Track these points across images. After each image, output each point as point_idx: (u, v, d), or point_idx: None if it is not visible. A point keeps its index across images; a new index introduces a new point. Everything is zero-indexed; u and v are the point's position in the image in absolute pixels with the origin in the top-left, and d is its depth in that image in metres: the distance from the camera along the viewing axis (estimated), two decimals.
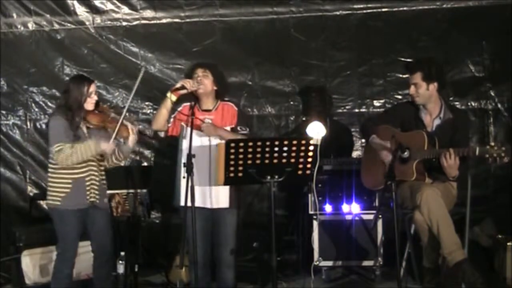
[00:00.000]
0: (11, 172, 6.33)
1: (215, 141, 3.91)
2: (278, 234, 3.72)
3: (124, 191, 4.91)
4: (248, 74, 6.06)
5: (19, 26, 6.33)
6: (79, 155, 3.81)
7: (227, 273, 3.95)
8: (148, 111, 6.13)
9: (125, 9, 6.20)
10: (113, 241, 4.15)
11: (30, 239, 4.81)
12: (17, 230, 4.88)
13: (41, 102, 6.33)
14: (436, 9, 5.77)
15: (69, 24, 6.26)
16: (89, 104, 3.96)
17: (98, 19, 6.23)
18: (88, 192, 3.92)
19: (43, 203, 5.47)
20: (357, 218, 4.99)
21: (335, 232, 4.98)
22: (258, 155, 3.38)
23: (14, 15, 6.31)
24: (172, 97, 3.87)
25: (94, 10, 6.22)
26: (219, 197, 3.90)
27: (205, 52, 6.00)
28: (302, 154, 3.41)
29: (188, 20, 6.10)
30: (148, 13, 6.17)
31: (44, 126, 6.10)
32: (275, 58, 6.02)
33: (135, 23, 6.20)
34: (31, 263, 4.78)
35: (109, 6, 6.21)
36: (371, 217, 4.91)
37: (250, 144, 3.37)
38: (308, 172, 3.48)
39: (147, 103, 6.18)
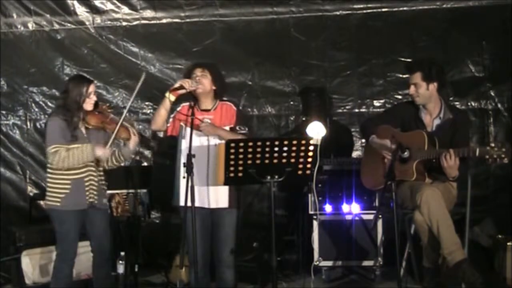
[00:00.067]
0: (11, 172, 6.33)
1: (213, 141, 3.91)
2: (278, 234, 3.71)
3: (124, 191, 4.92)
4: (248, 74, 6.06)
5: (19, 26, 6.33)
6: (73, 159, 3.82)
7: (227, 273, 3.95)
8: (148, 111, 6.14)
9: (125, 9, 6.20)
10: (112, 241, 4.15)
11: (30, 239, 4.81)
12: (17, 230, 4.88)
13: (41, 102, 6.33)
14: (436, 9, 5.77)
15: (69, 24, 6.27)
16: (88, 105, 3.95)
17: (98, 19, 6.23)
18: (87, 193, 3.92)
19: (42, 203, 5.48)
20: (357, 218, 4.99)
21: (335, 232, 4.98)
22: (258, 155, 3.38)
23: (14, 15, 6.31)
24: (170, 97, 3.87)
25: (94, 10, 6.22)
26: (218, 197, 3.89)
27: (205, 52, 6.00)
28: (302, 154, 3.41)
29: (188, 20, 6.11)
30: (148, 13, 6.17)
31: (44, 126, 6.10)
32: (275, 58, 6.02)
33: (135, 23, 6.20)
34: (31, 263, 4.78)
35: (109, 6, 6.21)
36: (371, 217, 4.91)
37: (250, 144, 3.37)
38: (308, 172, 3.48)
39: (147, 103, 6.18)
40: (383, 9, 5.84)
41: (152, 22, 6.18)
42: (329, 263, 4.97)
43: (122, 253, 4.35)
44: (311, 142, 3.41)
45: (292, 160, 3.41)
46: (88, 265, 4.23)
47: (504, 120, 5.72)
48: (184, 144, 3.93)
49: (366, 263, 4.96)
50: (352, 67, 5.92)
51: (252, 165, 3.39)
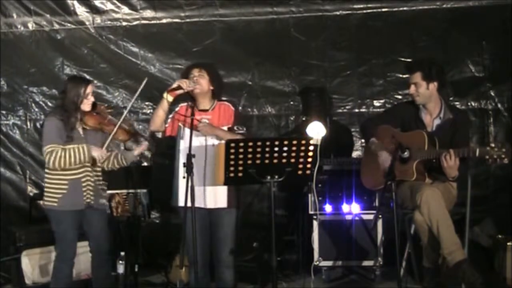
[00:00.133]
0: (11, 172, 6.34)
1: (211, 141, 3.91)
2: (278, 234, 3.71)
3: (124, 191, 4.91)
4: (248, 74, 6.06)
5: (19, 26, 6.33)
6: (69, 159, 3.81)
7: (226, 273, 3.94)
8: (148, 111, 6.13)
9: (125, 9, 6.20)
10: (110, 240, 4.15)
11: (30, 239, 4.81)
12: (17, 230, 4.88)
13: (41, 102, 6.33)
14: (436, 9, 5.77)
15: (69, 24, 6.27)
16: (86, 105, 3.95)
17: (98, 19, 6.23)
18: (84, 193, 3.92)
19: (42, 203, 5.48)
20: (357, 218, 4.99)
21: (335, 232, 4.98)
22: (258, 155, 3.37)
23: (14, 15, 6.31)
24: (168, 97, 3.87)
25: (94, 10, 6.22)
26: (217, 197, 3.89)
27: (205, 52, 6.00)
28: (302, 154, 3.41)
29: (188, 20, 6.11)
30: (148, 13, 6.17)
31: (41, 126, 6.10)
32: (275, 58, 6.02)
33: (135, 23, 6.20)
34: (31, 263, 4.78)
35: (109, 6, 6.21)
36: (371, 217, 4.91)
37: (250, 144, 3.37)
38: (308, 172, 3.48)
39: (147, 103, 6.18)
40: (383, 9, 5.84)
41: (152, 22, 6.18)
42: (329, 263, 4.97)
43: (122, 253, 4.35)
44: (311, 142, 3.41)
45: (292, 160, 3.41)
46: (88, 265, 4.23)
47: (504, 120, 5.72)
48: (182, 145, 3.93)
49: (366, 263, 4.96)
50: (352, 67, 5.92)
51: (252, 165, 3.39)
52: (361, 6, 5.85)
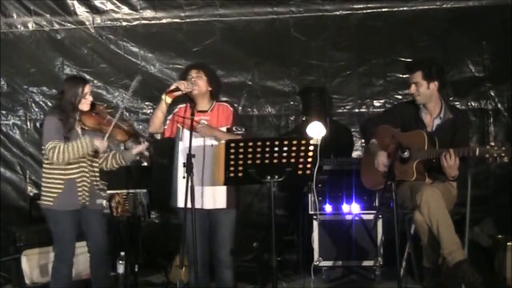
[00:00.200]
0: (11, 172, 6.34)
1: (209, 141, 3.91)
2: (278, 234, 3.71)
3: (124, 191, 4.91)
4: (248, 74, 6.06)
5: (19, 26, 6.34)
6: (73, 152, 3.80)
7: (226, 273, 3.95)
8: (148, 111, 6.14)
9: (125, 9, 6.20)
10: (111, 241, 4.15)
11: (30, 239, 4.81)
12: (17, 230, 4.88)
13: (41, 102, 6.34)
14: (436, 9, 5.77)
15: (69, 24, 6.27)
16: (84, 105, 3.95)
17: (98, 19, 6.23)
18: (79, 193, 3.91)
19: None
20: (357, 218, 4.99)
21: (335, 232, 4.98)
22: (258, 155, 3.37)
23: (14, 15, 6.32)
24: (167, 99, 3.87)
25: (94, 10, 6.23)
26: (216, 198, 3.89)
27: (205, 52, 6.00)
28: (302, 154, 3.40)
29: (188, 20, 6.11)
30: (148, 13, 6.17)
31: (40, 126, 6.11)
32: (275, 58, 6.02)
33: (135, 23, 6.21)
34: (31, 263, 4.78)
35: (109, 6, 6.22)
36: (371, 217, 4.91)
37: (250, 144, 3.37)
38: (308, 172, 3.48)
39: (147, 103, 6.19)
40: (383, 9, 5.84)
41: (152, 22, 6.19)
42: (329, 263, 4.97)
43: (122, 253, 4.35)
44: (311, 142, 3.41)
45: (292, 160, 3.40)
46: (88, 265, 4.22)
47: (504, 120, 5.72)
48: (181, 146, 3.94)
49: (366, 263, 4.96)
50: (352, 67, 5.92)
51: (252, 165, 3.38)
52: (361, 6, 5.86)
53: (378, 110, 5.76)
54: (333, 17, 5.91)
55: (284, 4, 5.96)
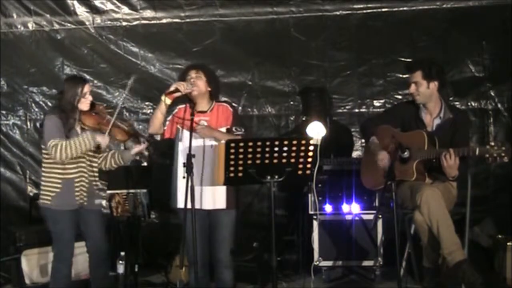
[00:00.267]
0: (11, 172, 6.35)
1: (209, 142, 3.91)
2: (278, 234, 3.71)
3: (124, 191, 4.91)
4: (248, 74, 6.06)
5: (19, 26, 6.34)
6: (75, 148, 3.79)
7: (225, 273, 3.95)
8: (148, 111, 6.14)
9: (125, 9, 6.20)
10: (111, 241, 4.14)
11: (30, 239, 4.81)
12: (17, 230, 4.88)
13: (41, 102, 6.34)
14: (436, 9, 5.77)
15: (69, 24, 6.27)
16: (84, 105, 3.94)
17: (98, 19, 6.23)
18: (77, 193, 3.90)
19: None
20: (357, 218, 4.99)
21: (335, 232, 4.98)
22: (258, 155, 3.37)
23: (14, 15, 6.32)
24: (166, 100, 3.87)
25: (94, 10, 6.23)
26: (215, 198, 3.89)
27: (205, 52, 6.00)
28: (302, 154, 3.40)
29: (188, 20, 6.11)
30: (148, 13, 6.17)
31: (40, 126, 6.10)
32: (275, 58, 6.02)
33: (135, 23, 6.20)
34: (31, 263, 4.78)
35: (109, 6, 6.22)
36: (371, 217, 4.91)
37: (250, 144, 3.37)
38: (308, 172, 3.47)
39: (147, 103, 6.19)
40: (383, 9, 5.84)
41: (152, 22, 6.18)
42: (329, 263, 4.97)
43: (122, 253, 4.35)
44: (311, 142, 3.41)
45: (292, 160, 3.40)
46: (87, 266, 4.22)
47: (504, 120, 5.72)
48: (181, 146, 3.94)
49: (366, 263, 4.96)
50: (352, 67, 5.92)
51: (252, 165, 3.38)
52: (361, 6, 5.85)
53: (378, 110, 5.75)
54: (333, 17, 5.91)
55: (284, 4, 5.96)
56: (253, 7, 6.00)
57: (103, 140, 3.91)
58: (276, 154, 3.38)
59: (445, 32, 5.76)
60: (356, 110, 5.93)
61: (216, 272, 3.99)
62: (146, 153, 4.21)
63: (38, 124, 6.24)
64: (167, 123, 4.02)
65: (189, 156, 3.61)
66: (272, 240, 3.43)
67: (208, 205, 3.88)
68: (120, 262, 4.33)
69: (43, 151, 3.95)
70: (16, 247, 4.78)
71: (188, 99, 3.95)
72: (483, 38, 5.68)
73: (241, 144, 3.36)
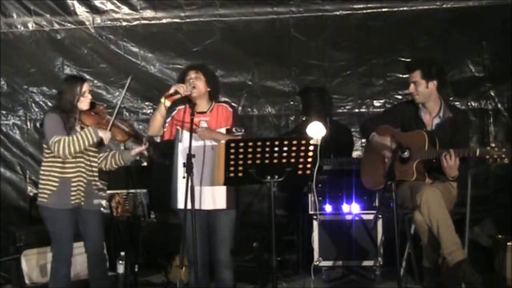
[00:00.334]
0: (11, 172, 6.34)
1: (209, 142, 3.90)
2: (278, 234, 3.71)
3: (124, 191, 4.91)
4: (248, 74, 6.06)
5: (19, 26, 6.34)
6: (78, 143, 3.77)
7: (225, 273, 3.95)
8: (148, 111, 6.14)
9: (125, 9, 6.20)
10: (111, 241, 4.14)
11: (30, 239, 4.82)
12: (17, 230, 4.88)
13: (41, 102, 6.34)
14: (436, 9, 5.77)
15: (69, 24, 6.27)
16: (83, 104, 3.93)
17: (98, 19, 6.23)
18: (73, 193, 3.88)
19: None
20: (357, 218, 4.99)
21: (335, 232, 4.98)
22: (258, 155, 3.37)
23: (14, 15, 6.32)
24: (166, 102, 3.87)
25: (94, 10, 6.23)
26: (215, 198, 3.89)
27: (205, 52, 6.00)
28: (302, 154, 3.40)
29: (188, 20, 6.11)
30: (148, 13, 6.17)
31: (40, 125, 6.10)
32: (275, 58, 6.02)
33: (135, 23, 6.20)
34: (31, 263, 4.78)
35: (109, 6, 6.22)
36: (371, 217, 4.91)
37: (250, 144, 3.36)
38: (308, 172, 3.47)
39: (147, 103, 6.19)
40: (383, 9, 5.84)
41: (152, 22, 6.18)
42: (329, 263, 4.97)
43: (122, 253, 4.35)
44: (311, 142, 3.41)
45: (292, 160, 3.40)
46: (86, 266, 4.21)
47: (504, 120, 5.72)
48: (181, 146, 3.93)
49: (366, 263, 4.96)
50: (352, 67, 5.92)
51: (252, 165, 3.38)
52: (361, 6, 5.85)
53: (378, 110, 5.75)
54: (333, 17, 5.91)
55: (284, 4, 5.96)
56: (253, 7, 6.00)
57: (105, 135, 3.90)
58: (276, 154, 3.38)
59: (445, 32, 5.76)
60: (356, 110, 5.93)
61: (216, 272, 3.99)
62: (146, 153, 4.21)
63: (38, 124, 6.23)
64: (167, 125, 4.02)
65: (189, 156, 3.61)
66: (272, 240, 3.43)
67: (208, 205, 3.88)
68: (120, 262, 4.33)
69: (45, 150, 3.94)
70: (16, 247, 4.78)
71: (187, 100, 3.94)
72: (483, 38, 5.68)
73: (241, 144, 3.36)
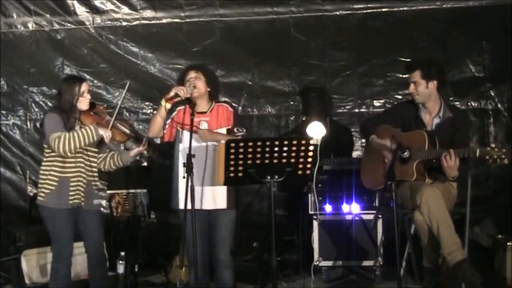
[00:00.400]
0: (11, 172, 6.34)
1: (209, 142, 3.90)
2: (278, 234, 3.71)
3: (124, 191, 4.91)
4: (248, 74, 6.06)
5: (19, 26, 6.33)
6: (78, 140, 3.76)
7: (225, 273, 3.94)
8: (148, 111, 6.14)
9: (125, 9, 6.20)
10: (111, 241, 4.14)
11: (30, 239, 4.82)
12: (17, 230, 4.88)
13: (41, 102, 6.34)
14: (436, 9, 5.77)
15: (69, 24, 6.27)
16: (83, 104, 3.92)
17: (98, 19, 6.23)
18: (71, 193, 3.88)
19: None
20: (357, 218, 4.99)
21: (335, 232, 4.98)
22: (258, 155, 3.37)
23: (14, 15, 6.32)
24: (166, 105, 3.87)
25: (94, 10, 6.23)
26: (216, 198, 3.89)
27: (205, 52, 6.00)
28: (302, 154, 3.40)
29: (188, 20, 6.11)
30: (148, 13, 6.17)
31: (40, 125, 6.10)
32: (275, 58, 6.02)
33: (135, 23, 6.20)
34: (31, 263, 4.78)
35: (109, 6, 6.22)
36: (371, 217, 4.91)
37: (250, 144, 3.36)
38: (308, 172, 3.47)
39: (147, 103, 6.19)
40: (383, 9, 5.84)
41: (152, 22, 6.18)
42: (329, 263, 4.97)
43: (122, 253, 4.35)
44: (311, 142, 3.41)
45: (292, 160, 3.40)
46: (86, 266, 4.21)
47: (504, 120, 5.72)
48: (181, 147, 3.93)
49: (366, 263, 4.96)
50: (352, 67, 5.92)
51: (252, 165, 3.38)
52: (361, 6, 5.85)
53: (378, 110, 5.75)
54: (333, 17, 5.91)
55: (284, 4, 5.96)
56: (253, 7, 6.00)
57: (105, 133, 3.89)
58: (276, 154, 3.38)
59: (445, 32, 5.76)
60: (356, 110, 5.93)
61: (216, 272, 3.99)
62: (146, 153, 4.21)
63: (38, 124, 6.23)
64: (167, 126, 4.01)
65: (189, 156, 3.61)
66: (272, 240, 3.43)
67: (208, 205, 3.88)
68: (120, 262, 4.33)
69: (45, 150, 3.94)
70: (16, 247, 4.78)
71: (187, 100, 3.94)
72: (483, 38, 5.68)
73: (241, 144, 3.36)
